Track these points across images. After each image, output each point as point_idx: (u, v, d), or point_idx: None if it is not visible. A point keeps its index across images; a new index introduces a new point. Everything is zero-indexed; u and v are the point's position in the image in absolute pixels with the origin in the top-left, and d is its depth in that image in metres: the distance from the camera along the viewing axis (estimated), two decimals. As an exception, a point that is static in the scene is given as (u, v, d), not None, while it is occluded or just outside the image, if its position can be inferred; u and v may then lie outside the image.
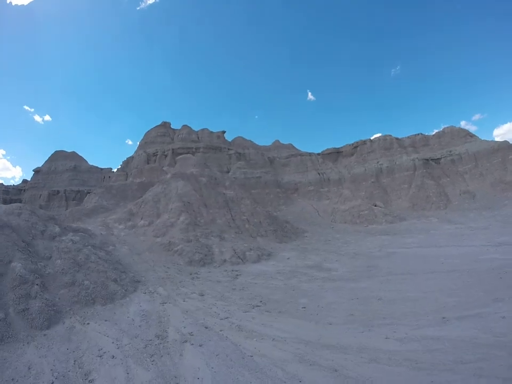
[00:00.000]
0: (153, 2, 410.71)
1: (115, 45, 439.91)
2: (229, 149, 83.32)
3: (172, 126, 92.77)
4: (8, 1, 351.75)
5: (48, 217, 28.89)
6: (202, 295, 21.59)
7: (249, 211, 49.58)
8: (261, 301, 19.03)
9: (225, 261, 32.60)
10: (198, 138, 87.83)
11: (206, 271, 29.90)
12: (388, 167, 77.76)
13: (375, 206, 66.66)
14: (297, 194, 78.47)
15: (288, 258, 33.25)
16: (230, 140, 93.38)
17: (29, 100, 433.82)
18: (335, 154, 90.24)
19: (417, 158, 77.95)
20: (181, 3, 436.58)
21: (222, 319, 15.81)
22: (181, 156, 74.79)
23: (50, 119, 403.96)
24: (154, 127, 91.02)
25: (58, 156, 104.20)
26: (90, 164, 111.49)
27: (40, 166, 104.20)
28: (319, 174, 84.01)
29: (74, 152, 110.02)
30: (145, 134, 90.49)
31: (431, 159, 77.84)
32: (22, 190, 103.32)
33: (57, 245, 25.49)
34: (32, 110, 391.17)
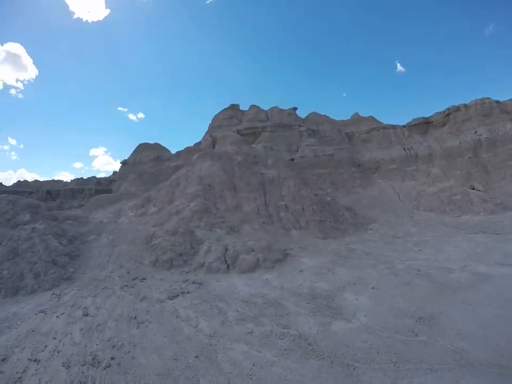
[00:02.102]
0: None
1: (188, 40, 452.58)
2: (299, 126, 75.10)
3: (241, 108, 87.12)
4: (89, 21, 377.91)
5: (27, 206, 27.40)
6: (86, 315, 17.71)
7: (290, 195, 41.01)
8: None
9: (203, 265, 25.86)
10: (268, 117, 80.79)
11: (160, 277, 24.38)
12: (488, 138, 61.68)
13: (473, 189, 53.76)
14: (378, 174, 67.37)
15: (302, 270, 23.69)
16: (304, 117, 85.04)
17: (121, 101, 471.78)
18: (423, 125, 75.11)
19: None
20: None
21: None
22: (221, 134, 69.09)
23: (144, 116, 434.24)
24: (221, 111, 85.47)
25: (143, 148, 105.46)
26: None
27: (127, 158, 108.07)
28: (404, 149, 71.17)
29: (157, 143, 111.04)
30: (213, 118, 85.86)
31: None
32: (112, 181, 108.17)
33: (14, 233, 26.29)
34: (126, 109, 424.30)
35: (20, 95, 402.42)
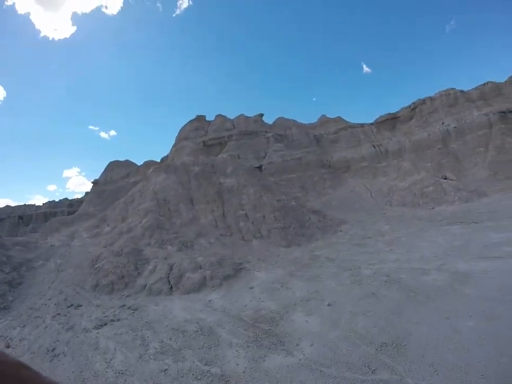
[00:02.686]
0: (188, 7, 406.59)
1: (156, 54, 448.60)
2: (266, 132, 71.87)
3: (207, 119, 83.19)
4: (55, 39, 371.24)
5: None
6: (8, 347, 15.95)
7: (250, 203, 37.76)
8: None
9: (145, 287, 22.55)
10: (234, 126, 77.42)
11: (97, 302, 21.42)
12: (455, 127, 59.53)
13: (445, 179, 51.11)
14: (349, 173, 64.52)
15: (252, 287, 20.10)
16: (271, 123, 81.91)
17: (92, 120, 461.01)
18: (391, 121, 72.74)
19: (491, 111, 58.28)
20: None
21: None
22: (178, 146, 65.66)
23: (116, 133, 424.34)
24: (187, 123, 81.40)
25: (113, 166, 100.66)
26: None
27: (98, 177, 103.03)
28: (374, 146, 68.53)
29: (128, 160, 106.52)
30: (179, 131, 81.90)
31: (509, 111, 58.93)
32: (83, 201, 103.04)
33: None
34: (97, 128, 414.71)
35: None
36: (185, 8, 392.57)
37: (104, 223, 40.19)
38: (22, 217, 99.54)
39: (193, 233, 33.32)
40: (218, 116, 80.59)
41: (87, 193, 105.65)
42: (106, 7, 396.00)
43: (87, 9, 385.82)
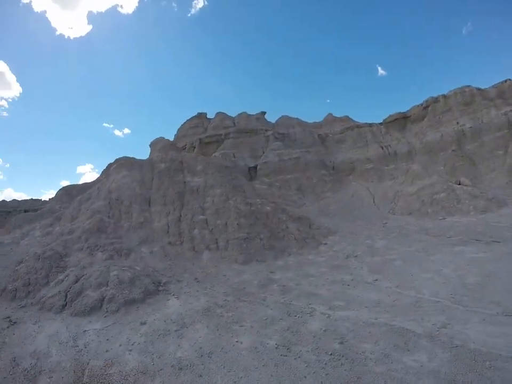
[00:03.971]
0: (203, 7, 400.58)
1: (172, 52, 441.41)
2: (266, 130, 65.67)
3: (208, 117, 77.37)
4: (71, 38, 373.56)
5: None
6: None
7: (214, 207, 31.77)
8: None
9: (40, 299, 18.67)
10: (234, 123, 71.54)
11: None
12: (471, 128, 51.53)
13: (459, 184, 43.86)
14: (353, 176, 57.61)
15: (144, 323, 15.39)
16: (274, 122, 75.39)
17: (107, 117, 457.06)
18: (401, 121, 64.85)
19: (510, 110, 50.29)
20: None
21: None
22: (154, 140, 60.12)
23: (130, 131, 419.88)
24: (187, 120, 75.82)
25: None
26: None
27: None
28: (382, 147, 61.15)
29: (133, 158, 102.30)
30: (179, 128, 76.50)
31: None
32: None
33: None
34: (111, 125, 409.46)
35: (4, 113, 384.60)
36: (200, 8, 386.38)
37: (58, 222, 34.85)
38: (28, 212, 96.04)
39: (137, 239, 28.22)
40: (219, 113, 74.57)
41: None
42: (121, 7, 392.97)
43: (103, 8, 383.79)
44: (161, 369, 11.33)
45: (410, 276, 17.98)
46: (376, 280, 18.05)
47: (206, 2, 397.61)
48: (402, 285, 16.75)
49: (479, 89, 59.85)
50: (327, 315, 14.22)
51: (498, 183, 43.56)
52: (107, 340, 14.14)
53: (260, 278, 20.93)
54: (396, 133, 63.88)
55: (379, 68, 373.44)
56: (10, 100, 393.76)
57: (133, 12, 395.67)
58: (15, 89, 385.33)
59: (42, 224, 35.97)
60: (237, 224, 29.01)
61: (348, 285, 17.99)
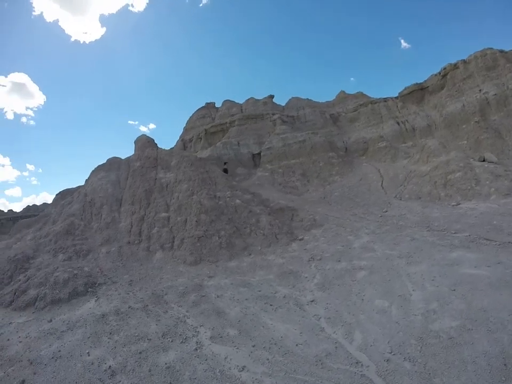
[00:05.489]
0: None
1: (187, 45, 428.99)
2: (273, 114, 59.81)
3: (216, 106, 72.32)
4: (87, 42, 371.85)
5: None
6: None
7: (178, 203, 28.57)
8: None
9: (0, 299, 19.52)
10: (242, 110, 66.13)
11: None
12: (496, 95, 43.03)
13: (483, 161, 36.54)
14: (366, 156, 51.16)
15: (50, 321, 15.64)
16: (284, 104, 69.12)
17: (131, 115, 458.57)
18: (418, 92, 56.01)
19: None
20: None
21: None
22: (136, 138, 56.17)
23: (155, 126, 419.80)
24: (196, 111, 71.20)
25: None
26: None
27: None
28: (398, 123, 53.44)
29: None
30: (187, 121, 72.23)
31: None
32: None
33: None
34: (136, 122, 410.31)
35: (32, 122, 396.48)
36: None
37: (45, 226, 32.50)
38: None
39: (101, 239, 26.39)
40: (226, 101, 69.36)
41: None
42: (132, 5, 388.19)
43: (114, 10, 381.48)
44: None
45: (359, 302, 13.24)
46: (311, 301, 13.85)
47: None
48: (335, 317, 12.32)
49: (502, 51, 50.23)
50: (197, 348, 11.51)
51: (530, 157, 36.00)
52: (16, 331, 15.09)
53: (190, 284, 18.13)
54: (414, 106, 55.85)
55: (402, 41, 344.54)
56: (35, 109, 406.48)
57: (144, 8, 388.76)
58: (38, 98, 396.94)
59: (34, 228, 34.15)
60: (196, 221, 25.53)
61: (270, 305, 14.40)
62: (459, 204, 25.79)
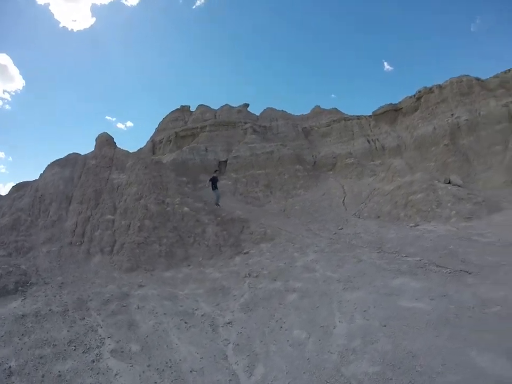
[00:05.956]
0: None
1: (176, 45, 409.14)
2: (245, 123, 57.78)
3: (191, 109, 69.59)
4: (75, 30, 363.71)
5: None
6: None
7: (125, 205, 25.59)
8: None
9: None
10: (215, 116, 63.71)
11: None
12: (467, 120, 41.59)
13: (449, 183, 35.16)
14: (334, 171, 49.49)
15: None
16: (258, 114, 67.21)
17: (109, 110, 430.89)
18: (392, 113, 55.13)
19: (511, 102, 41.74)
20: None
21: None
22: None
23: (132, 124, 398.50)
24: (169, 113, 68.31)
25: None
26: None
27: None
28: (369, 141, 52.38)
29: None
30: (160, 122, 69.20)
31: None
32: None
33: None
34: (114, 119, 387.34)
35: (7, 106, 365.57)
36: (206, 0, 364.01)
37: None
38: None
39: (44, 238, 23.24)
40: (201, 105, 66.65)
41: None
42: None
43: (107, 1, 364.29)
44: None
45: (277, 329, 10.64)
46: (228, 323, 11.61)
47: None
48: (244, 345, 9.71)
49: (478, 79, 49.72)
50: (94, 360, 10.22)
51: (494, 182, 34.52)
52: None
53: (118, 292, 15.49)
54: (386, 126, 54.79)
55: (385, 63, 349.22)
56: (13, 93, 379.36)
57: (138, 3, 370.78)
58: (18, 82, 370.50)
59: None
60: (139, 226, 22.34)
61: (186, 322, 12.68)
62: (417, 225, 23.70)
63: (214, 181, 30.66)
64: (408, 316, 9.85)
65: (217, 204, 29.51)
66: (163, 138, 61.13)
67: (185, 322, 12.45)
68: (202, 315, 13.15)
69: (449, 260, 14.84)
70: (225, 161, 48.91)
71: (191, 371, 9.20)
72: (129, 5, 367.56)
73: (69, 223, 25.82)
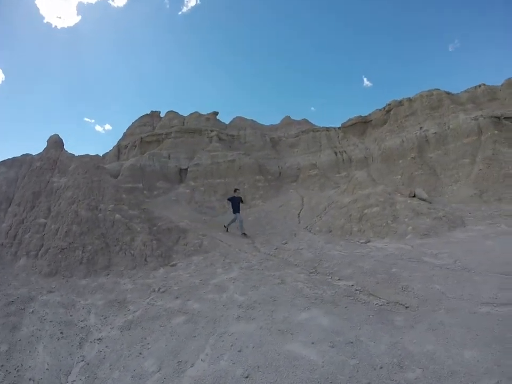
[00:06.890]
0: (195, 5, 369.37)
1: (159, 50, 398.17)
2: (211, 131, 54.46)
3: (161, 115, 65.98)
4: (58, 27, 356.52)
5: None
6: None
7: (58, 209, 22.15)
8: None
9: None
10: (184, 123, 60.16)
11: None
12: (436, 133, 39.61)
13: (414, 196, 32.40)
14: (297, 182, 46.45)
15: None
16: (227, 123, 64.08)
17: (88, 112, 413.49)
18: (361, 125, 52.98)
19: (481, 115, 37.75)
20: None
21: None
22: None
23: (111, 128, 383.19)
24: (138, 118, 64.54)
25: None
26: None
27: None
28: (336, 153, 49.93)
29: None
30: (128, 126, 64.99)
31: (505, 118, 39.39)
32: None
33: None
34: (93, 121, 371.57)
35: None
36: (192, 7, 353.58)
37: None
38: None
39: None
40: (169, 112, 63.04)
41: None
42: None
43: (94, 0, 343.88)
44: None
45: (133, 356, 9.03)
46: (92, 341, 8.38)
47: (198, 2, 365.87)
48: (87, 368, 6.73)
49: (448, 93, 48.02)
50: None
51: (461, 196, 31.85)
52: None
53: (25, 296, 14.09)
54: (354, 138, 52.30)
55: (365, 79, 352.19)
56: None
57: (124, 5, 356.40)
58: None
59: None
60: (66, 231, 19.10)
61: (50, 334, 10.51)
62: (368, 242, 20.39)
63: (234, 202, 24.78)
64: (283, 368, 6.34)
65: (243, 234, 24.31)
66: (129, 144, 57.07)
67: (61, 333, 10.70)
68: (82, 327, 10.92)
69: (387, 287, 11.43)
70: (187, 169, 45.11)
71: (30, 379, 8.35)
72: (115, 5, 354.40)
73: (5, 224, 22.89)
